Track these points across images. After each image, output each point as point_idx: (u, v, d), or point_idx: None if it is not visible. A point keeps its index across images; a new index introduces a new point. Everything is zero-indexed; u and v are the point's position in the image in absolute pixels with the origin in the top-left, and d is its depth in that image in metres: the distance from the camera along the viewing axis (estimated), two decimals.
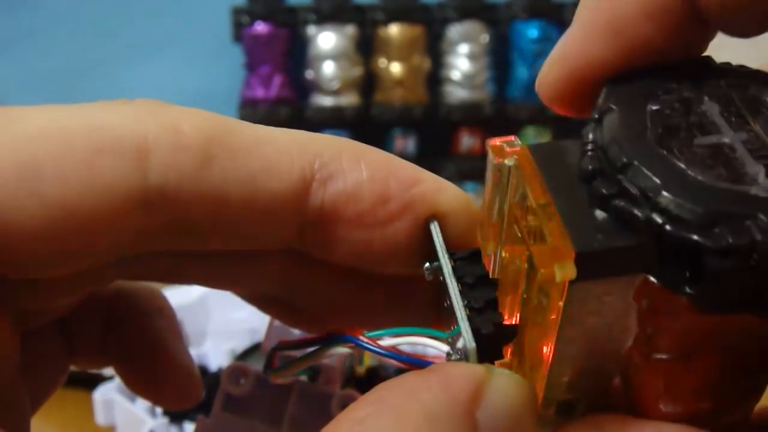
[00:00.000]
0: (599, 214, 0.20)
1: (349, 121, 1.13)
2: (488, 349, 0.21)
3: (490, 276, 0.23)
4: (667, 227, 0.19)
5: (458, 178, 1.10)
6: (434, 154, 1.16)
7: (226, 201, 0.22)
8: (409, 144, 1.17)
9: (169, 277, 0.25)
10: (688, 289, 0.19)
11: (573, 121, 0.24)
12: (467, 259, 0.23)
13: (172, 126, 0.21)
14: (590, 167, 0.20)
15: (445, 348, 0.23)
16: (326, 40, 1.12)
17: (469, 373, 0.20)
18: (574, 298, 0.20)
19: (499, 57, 1.16)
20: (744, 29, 0.21)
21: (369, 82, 1.15)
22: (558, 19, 1.13)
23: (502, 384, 0.20)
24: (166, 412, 0.59)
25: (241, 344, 0.63)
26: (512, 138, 0.22)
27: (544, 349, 0.21)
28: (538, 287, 0.20)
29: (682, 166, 0.20)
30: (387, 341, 0.24)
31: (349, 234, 0.23)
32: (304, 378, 0.39)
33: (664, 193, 0.19)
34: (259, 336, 0.56)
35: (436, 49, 1.15)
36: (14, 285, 0.21)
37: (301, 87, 1.15)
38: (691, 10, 0.21)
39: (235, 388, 0.37)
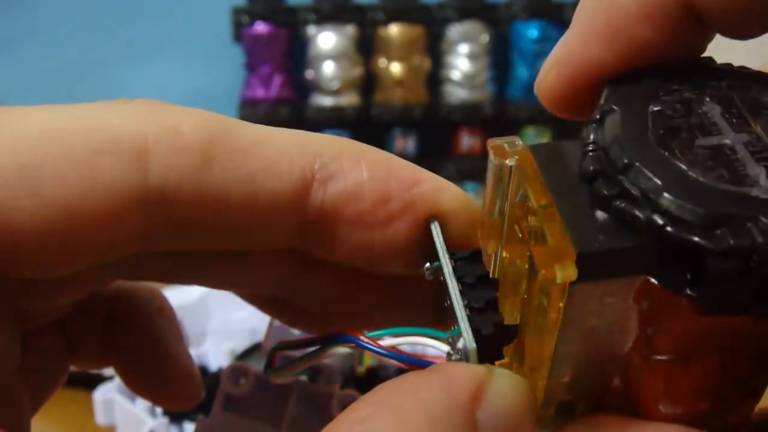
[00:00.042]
0: (600, 215, 0.20)
1: (349, 121, 1.13)
2: (488, 349, 0.21)
3: (491, 276, 0.23)
4: (668, 228, 0.19)
5: (458, 178, 1.10)
6: (434, 154, 1.16)
7: (226, 201, 0.22)
8: (409, 144, 1.17)
9: (169, 277, 0.25)
10: (688, 291, 0.19)
11: (573, 122, 0.24)
12: (468, 259, 0.23)
13: (172, 126, 0.21)
14: (591, 168, 0.20)
15: (446, 348, 0.23)
16: (326, 40, 1.12)
17: (469, 374, 0.20)
18: (575, 299, 0.20)
19: (499, 57, 1.16)
20: (742, 31, 0.21)
21: (369, 82, 1.15)
22: (558, 19, 1.13)
23: (503, 384, 0.20)
24: (166, 412, 0.59)
25: (241, 344, 0.63)
26: (514, 138, 0.22)
27: (545, 349, 0.21)
28: (539, 288, 0.20)
29: (684, 167, 0.19)
30: (387, 341, 0.24)
31: (350, 234, 0.23)
32: (304, 378, 0.39)
33: (666, 195, 0.19)
34: (259, 336, 0.56)
35: (436, 49, 1.15)
36: (14, 285, 0.21)
37: (301, 87, 1.15)
38: (689, 11, 0.21)
39: (235, 388, 0.36)
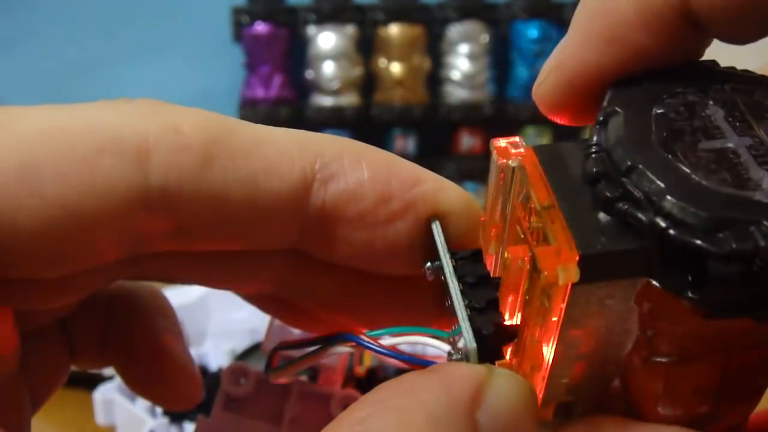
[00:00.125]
0: (603, 216, 0.20)
1: (349, 121, 1.13)
2: (489, 349, 0.21)
3: (492, 276, 0.23)
4: (671, 231, 0.19)
5: (458, 178, 1.10)
6: (434, 154, 1.16)
7: (226, 201, 0.22)
8: (409, 144, 1.17)
9: (169, 277, 0.25)
10: (690, 294, 0.19)
11: None
12: (468, 258, 0.23)
13: (173, 126, 0.21)
14: (594, 170, 0.20)
15: (446, 347, 0.23)
16: (326, 40, 1.12)
17: (469, 374, 0.20)
18: (576, 301, 0.20)
19: (499, 57, 1.16)
20: (739, 36, 0.21)
21: (369, 82, 1.15)
22: (558, 19, 1.13)
23: (503, 384, 0.20)
24: (166, 412, 0.59)
25: (241, 344, 0.63)
26: (517, 139, 0.22)
27: (545, 350, 0.21)
28: (541, 289, 0.20)
29: (687, 170, 0.20)
30: (387, 341, 0.24)
31: (351, 234, 0.23)
32: (304, 378, 0.39)
33: (669, 198, 0.19)
34: (259, 336, 0.56)
35: (436, 49, 1.15)
36: (15, 285, 0.21)
37: (301, 87, 1.15)
38: (686, 17, 0.21)
39: (235, 388, 0.36)
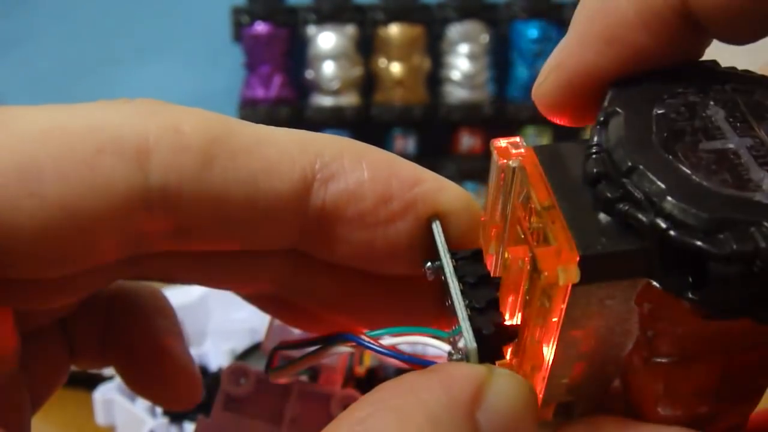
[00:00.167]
0: (603, 217, 0.20)
1: (349, 121, 1.13)
2: (489, 349, 0.21)
3: (492, 275, 0.23)
4: (672, 232, 0.19)
5: (458, 178, 1.10)
6: (434, 154, 1.16)
7: (227, 201, 0.22)
8: (409, 144, 1.17)
9: (169, 277, 0.25)
10: (690, 295, 0.19)
11: None
12: (469, 258, 0.23)
13: (173, 126, 0.21)
14: (595, 170, 0.20)
15: (447, 347, 0.23)
16: (326, 40, 1.12)
17: (469, 374, 0.20)
18: (577, 301, 0.20)
19: (499, 57, 1.16)
20: (739, 36, 0.21)
21: (369, 82, 1.15)
22: (558, 19, 1.13)
23: (503, 384, 0.20)
24: (166, 412, 0.59)
25: (241, 344, 0.63)
26: (517, 139, 0.22)
27: (545, 350, 0.21)
28: (541, 289, 0.20)
29: (687, 171, 0.19)
30: (388, 340, 0.24)
31: (351, 234, 0.23)
32: (304, 378, 0.39)
33: (669, 198, 0.19)
34: (260, 336, 0.56)
35: (436, 49, 1.15)
36: (15, 285, 0.21)
37: (301, 87, 1.15)
38: (686, 17, 0.21)
39: (235, 389, 0.36)
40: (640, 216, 0.19)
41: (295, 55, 1.14)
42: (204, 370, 0.63)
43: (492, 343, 0.21)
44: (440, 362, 0.22)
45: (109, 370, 0.30)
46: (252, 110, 1.12)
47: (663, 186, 0.19)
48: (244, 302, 0.28)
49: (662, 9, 0.21)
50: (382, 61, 1.14)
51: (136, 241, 0.21)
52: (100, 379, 0.62)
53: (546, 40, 1.12)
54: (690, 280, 0.19)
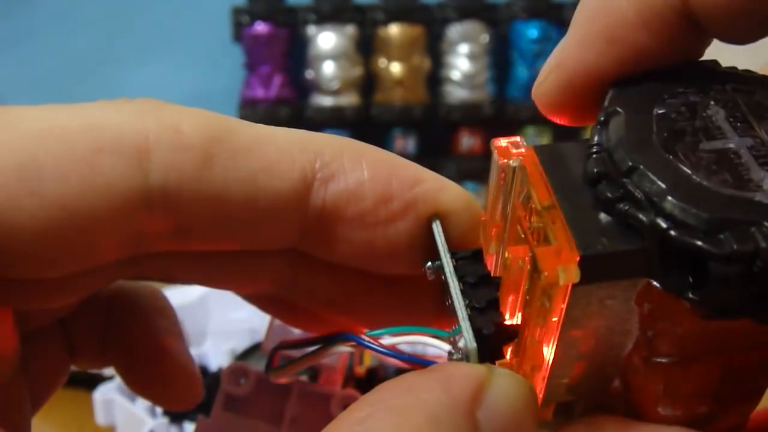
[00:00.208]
0: (603, 217, 0.20)
1: (349, 121, 1.13)
2: (489, 348, 0.21)
3: (493, 275, 0.23)
4: (672, 232, 0.19)
5: (458, 178, 1.10)
6: (434, 154, 1.16)
7: (227, 201, 0.22)
8: (409, 144, 1.17)
9: (169, 277, 0.25)
10: (690, 295, 0.19)
11: None
12: (469, 258, 0.23)
13: (173, 125, 0.21)
14: (595, 170, 0.20)
15: (447, 347, 0.23)
16: (326, 40, 1.12)
17: (469, 373, 0.20)
18: (577, 301, 0.20)
19: (499, 57, 1.16)
20: (739, 36, 0.21)
21: (369, 82, 1.15)
22: (558, 19, 1.13)
23: (503, 384, 0.20)
24: (166, 412, 0.59)
25: (241, 344, 0.63)
26: (518, 139, 0.22)
27: (545, 350, 0.21)
28: (541, 289, 0.20)
29: (688, 171, 0.19)
30: (387, 340, 0.24)
31: (351, 233, 0.23)
32: (304, 378, 0.39)
33: (669, 198, 0.19)
34: (259, 336, 0.56)
35: (436, 49, 1.15)
36: (15, 285, 0.21)
37: (301, 87, 1.15)
38: (686, 17, 0.21)
39: (235, 388, 0.36)
40: (640, 216, 0.19)
41: (295, 55, 1.14)
42: (204, 370, 0.63)
43: (492, 342, 0.21)
44: (440, 362, 0.22)
45: (109, 370, 0.30)
46: (252, 110, 1.12)
47: (663, 186, 0.19)
48: (244, 302, 0.28)
49: (663, 9, 0.21)
50: (382, 61, 1.14)
51: (136, 240, 0.21)
52: (100, 379, 0.62)
53: (546, 40, 1.12)
54: (690, 280, 0.19)
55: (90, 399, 0.61)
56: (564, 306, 0.20)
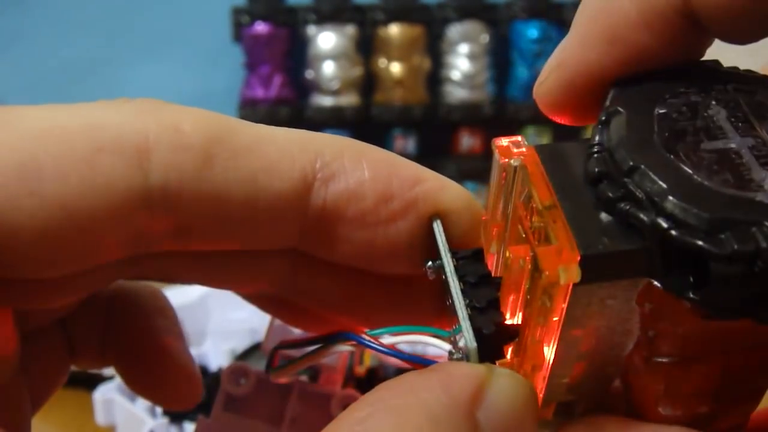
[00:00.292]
0: (604, 217, 0.20)
1: (349, 121, 1.13)
2: (489, 348, 0.21)
3: (493, 275, 0.23)
4: (673, 232, 0.19)
5: (458, 178, 1.10)
6: (434, 154, 1.16)
7: (227, 200, 0.21)
8: (409, 144, 1.17)
9: (169, 277, 0.25)
10: (691, 295, 0.19)
11: None
12: (470, 258, 0.23)
13: (173, 125, 0.21)
14: (596, 170, 0.20)
15: (447, 346, 0.23)
16: (326, 40, 1.12)
17: (470, 373, 0.20)
18: (578, 301, 0.20)
19: (499, 57, 1.16)
20: (741, 36, 0.21)
21: (369, 82, 1.15)
22: (558, 19, 1.13)
23: (504, 384, 0.20)
24: (166, 412, 0.59)
25: (241, 344, 0.63)
26: (519, 138, 0.22)
27: (546, 350, 0.21)
28: (542, 289, 0.20)
29: (689, 170, 0.19)
30: (388, 340, 0.24)
31: (352, 233, 0.23)
32: (304, 378, 0.39)
33: (670, 198, 0.19)
34: (259, 336, 0.56)
35: (436, 49, 1.15)
36: (15, 285, 0.21)
37: (301, 87, 1.15)
38: (688, 17, 0.21)
39: (235, 389, 0.36)
40: (641, 215, 0.19)
41: (295, 55, 1.14)
42: (204, 370, 0.63)
43: (492, 342, 0.21)
44: (440, 362, 0.22)
45: (109, 370, 0.30)
46: (252, 110, 1.12)
47: (664, 186, 0.19)
48: (244, 302, 0.28)
49: (665, 9, 0.21)
50: (382, 61, 1.14)
51: (136, 240, 0.21)
52: (100, 379, 0.62)
53: (546, 40, 1.12)
54: (691, 280, 0.19)
55: (90, 399, 0.61)
56: (565, 305, 0.20)
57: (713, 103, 0.21)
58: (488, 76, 1.15)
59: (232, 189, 0.21)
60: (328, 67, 1.12)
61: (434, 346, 0.23)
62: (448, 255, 0.23)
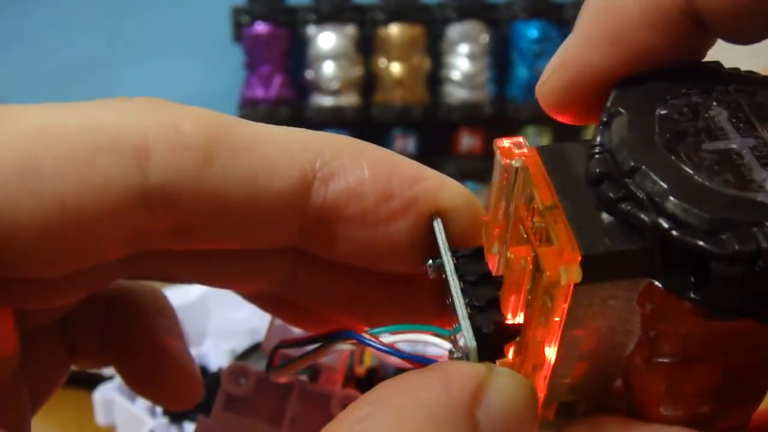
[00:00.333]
0: (606, 217, 0.20)
1: (349, 121, 1.13)
2: (489, 347, 0.21)
3: (495, 275, 0.23)
4: (674, 232, 0.19)
5: (458, 178, 1.09)
6: (434, 154, 1.16)
7: (226, 200, 0.21)
8: (409, 144, 1.17)
9: (169, 277, 0.25)
10: (692, 295, 0.19)
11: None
12: (470, 256, 0.23)
13: (173, 124, 0.21)
14: (597, 170, 0.20)
15: (448, 345, 0.23)
16: (326, 40, 1.12)
17: (469, 372, 0.20)
18: (579, 301, 0.20)
19: (499, 57, 1.16)
20: (744, 36, 0.22)
21: (369, 82, 1.15)
22: (558, 19, 1.13)
23: (503, 383, 0.20)
24: (166, 412, 0.59)
25: (241, 344, 0.63)
26: (520, 139, 0.22)
27: (547, 350, 0.21)
28: (543, 289, 0.20)
29: (690, 171, 0.20)
30: (388, 338, 0.24)
31: (352, 232, 0.23)
32: (304, 378, 0.39)
33: (671, 198, 0.19)
34: (260, 336, 0.56)
35: (436, 49, 1.15)
36: (14, 285, 0.21)
37: (301, 87, 1.15)
38: (692, 17, 0.21)
39: (235, 388, 0.36)
40: (642, 216, 0.19)
41: (295, 55, 1.14)
42: (204, 370, 0.63)
43: (492, 341, 0.21)
44: (440, 361, 0.22)
45: (109, 370, 0.30)
46: (252, 110, 1.12)
47: (665, 186, 0.19)
48: (244, 302, 0.28)
49: (669, 8, 0.21)
50: (382, 61, 1.14)
51: (135, 239, 0.21)
52: (100, 379, 0.62)
53: (546, 40, 1.12)
54: (692, 280, 0.19)
55: (90, 399, 0.61)
56: (566, 306, 0.20)
57: (714, 104, 0.21)
58: (488, 76, 1.15)
59: (232, 188, 0.21)
60: (328, 67, 1.12)
61: (435, 345, 0.23)
62: (448, 254, 0.23)
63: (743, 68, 0.23)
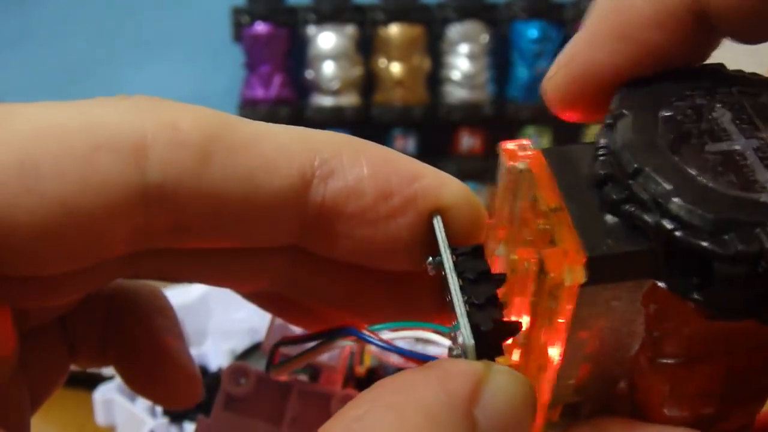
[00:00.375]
0: (610, 218, 0.20)
1: (349, 122, 1.13)
2: (488, 345, 0.21)
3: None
4: (677, 233, 0.19)
5: (458, 178, 1.10)
6: (434, 154, 1.16)
7: (225, 198, 0.21)
8: (409, 144, 1.17)
9: (169, 276, 0.25)
10: (696, 295, 0.19)
11: (574, 122, 0.24)
12: (469, 254, 0.23)
13: (171, 123, 0.21)
14: (602, 172, 0.20)
15: (448, 342, 0.23)
16: (326, 40, 1.12)
17: (467, 370, 0.20)
18: (583, 302, 0.20)
19: (499, 57, 1.16)
20: (751, 36, 0.22)
21: (369, 82, 1.15)
22: (558, 19, 1.13)
23: (501, 381, 0.20)
24: (166, 412, 0.59)
25: (241, 344, 0.63)
26: (525, 141, 0.22)
27: (552, 351, 0.21)
28: (548, 290, 0.20)
29: (693, 172, 0.20)
30: (388, 335, 0.24)
31: (351, 230, 0.23)
32: (304, 378, 0.39)
33: (675, 200, 0.19)
34: (260, 336, 0.56)
35: (436, 49, 1.15)
36: (14, 283, 0.21)
37: (301, 87, 1.15)
38: (699, 16, 0.21)
39: (235, 388, 0.36)
40: (646, 217, 0.19)
41: (295, 55, 1.14)
42: (204, 370, 0.63)
43: (490, 339, 0.21)
44: (439, 358, 0.21)
45: (109, 370, 0.30)
46: (252, 110, 1.12)
47: (669, 187, 0.19)
48: (244, 302, 0.28)
49: (677, 8, 0.21)
50: (382, 61, 1.14)
51: (135, 238, 0.21)
52: (100, 379, 0.62)
53: (546, 40, 1.12)
54: (695, 280, 0.19)
55: (90, 399, 0.61)
56: (571, 307, 0.20)
57: (718, 105, 0.22)
58: (488, 76, 1.15)
59: (231, 186, 0.21)
60: (328, 67, 1.12)
61: (435, 342, 0.23)
62: (448, 251, 0.23)
63: (742, 68, 0.23)
